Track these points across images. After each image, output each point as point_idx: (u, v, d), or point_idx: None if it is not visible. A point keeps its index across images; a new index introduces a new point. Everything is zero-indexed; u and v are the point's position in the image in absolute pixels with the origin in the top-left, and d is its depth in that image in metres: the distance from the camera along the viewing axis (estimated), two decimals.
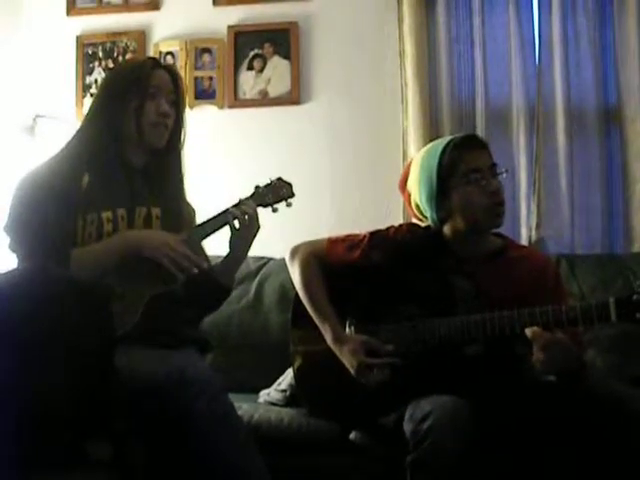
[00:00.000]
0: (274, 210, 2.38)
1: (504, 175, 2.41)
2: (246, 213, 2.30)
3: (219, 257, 2.43)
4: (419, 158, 2.47)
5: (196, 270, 2.22)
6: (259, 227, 2.34)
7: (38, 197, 2.19)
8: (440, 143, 2.43)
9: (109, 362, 1.97)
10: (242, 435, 2.04)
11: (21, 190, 2.23)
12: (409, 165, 2.55)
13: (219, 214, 2.31)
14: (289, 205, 2.39)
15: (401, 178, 2.58)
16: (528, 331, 2.08)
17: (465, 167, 2.35)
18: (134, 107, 2.30)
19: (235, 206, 2.32)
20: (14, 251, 2.19)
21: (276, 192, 2.38)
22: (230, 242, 2.36)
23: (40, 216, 2.15)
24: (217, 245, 2.39)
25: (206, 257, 2.44)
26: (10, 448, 1.79)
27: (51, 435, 1.86)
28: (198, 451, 1.94)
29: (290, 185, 2.40)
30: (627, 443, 2.10)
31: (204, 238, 2.32)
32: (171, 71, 2.42)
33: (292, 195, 2.40)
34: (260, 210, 2.35)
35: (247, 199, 2.34)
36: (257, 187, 2.38)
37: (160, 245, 2.20)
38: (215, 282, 2.39)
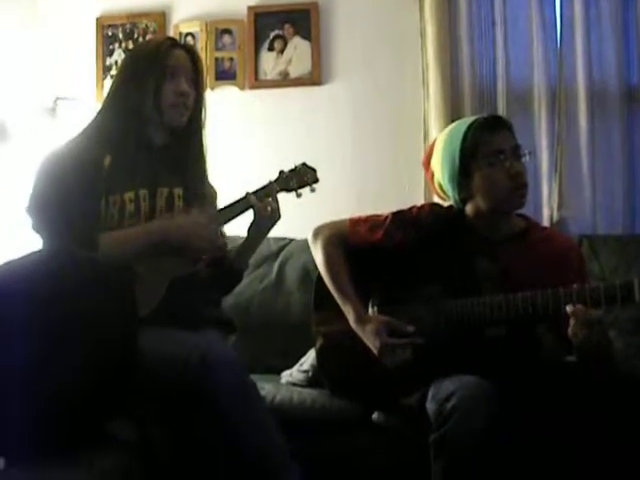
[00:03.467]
0: (298, 195, 2.38)
1: (527, 158, 2.40)
2: (269, 204, 2.31)
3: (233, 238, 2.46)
4: (443, 137, 2.47)
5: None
6: (279, 217, 2.34)
7: (61, 178, 2.19)
8: (464, 123, 2.42)
9: (132, 344, 1.98)
10: (264, 416, 2.05)
11: (43, 171, 2.23)
12: (433, 143, 2.54)
13: (239, 199, 2.31)
14: (313, 190, 2.39)
15: (425, 156, 2.59)
16: (569, 307, 2.05)
17: (488, 148, 2.34)
18: (153, 88, 2.28)
19: (257, 192, 2.32)
20: (37, 232, 2.20)
21: (300, 177, 2.38)
22: (249, 228, 2.37)
23: (63, 197, 2.15)
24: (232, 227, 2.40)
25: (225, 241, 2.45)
26: (32, 429, 1.81)
27: (74, 417, 1.87)
28: (219, 432, 1.95)
29: (314, 170, 2.40)
30: None
31: (226, 223, 2.33)
32: (189, 50, 2.40)
33: (316, 180, 2.40)
34: (283, 194, 2.35)
35: (271, 183, 2.34)
36: (281, 172, 2.38)
37: (192, 233, 2.20)
38: (231, 266, 2.40)
